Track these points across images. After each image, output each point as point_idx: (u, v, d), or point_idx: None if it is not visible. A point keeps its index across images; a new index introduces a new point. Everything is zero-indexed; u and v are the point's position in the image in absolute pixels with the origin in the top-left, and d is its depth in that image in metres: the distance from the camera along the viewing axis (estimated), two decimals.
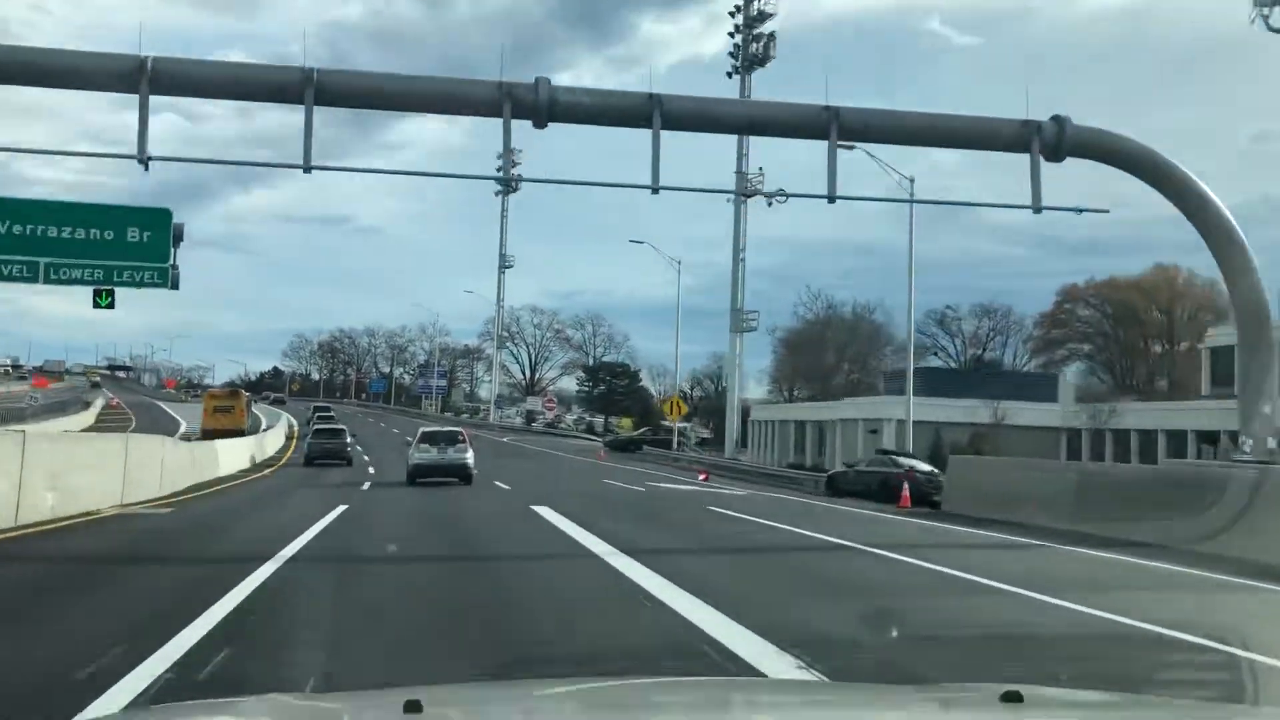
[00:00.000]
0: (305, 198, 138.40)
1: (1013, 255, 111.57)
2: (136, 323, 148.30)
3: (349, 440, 39.29)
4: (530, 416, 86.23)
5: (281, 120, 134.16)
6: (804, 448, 53.64)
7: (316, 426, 43.72)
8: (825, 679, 5.49)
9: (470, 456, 26.81)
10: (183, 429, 53.45)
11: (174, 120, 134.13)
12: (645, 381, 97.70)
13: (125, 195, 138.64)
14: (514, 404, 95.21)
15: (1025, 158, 16.39)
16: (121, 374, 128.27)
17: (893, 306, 70.11)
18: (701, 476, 34.98)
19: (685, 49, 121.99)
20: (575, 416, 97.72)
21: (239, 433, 51.65)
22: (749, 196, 46.56)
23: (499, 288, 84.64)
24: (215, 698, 3.82)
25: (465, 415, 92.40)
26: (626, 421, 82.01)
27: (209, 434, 51.28)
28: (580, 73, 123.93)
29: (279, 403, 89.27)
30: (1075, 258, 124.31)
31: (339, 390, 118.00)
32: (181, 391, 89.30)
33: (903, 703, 2.58)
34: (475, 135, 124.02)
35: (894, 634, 7.28)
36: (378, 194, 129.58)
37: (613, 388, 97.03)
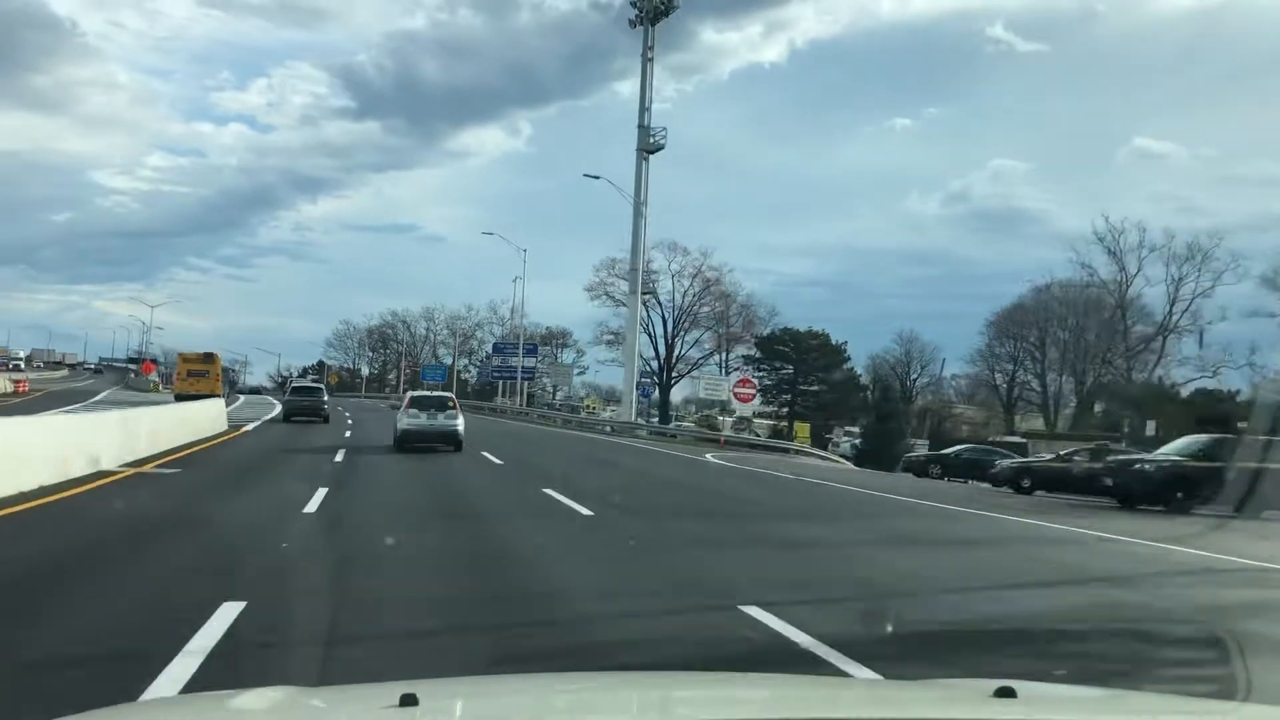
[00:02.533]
0: (371, 206, 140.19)
1: None
2: (209, 326, 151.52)
3: (325, 400, 42.19)
4: (743, 423, 48.62)
5: (345, 129, 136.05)
6: None
7: (294, 385, 50.15)
8: (820, 676, 5.45)
9: (460, 423, 26.28)
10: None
11: (242, 130, 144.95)
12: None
13: (196, 203, 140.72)
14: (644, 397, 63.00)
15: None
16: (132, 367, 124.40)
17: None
18: None
19: (747, 56, 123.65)
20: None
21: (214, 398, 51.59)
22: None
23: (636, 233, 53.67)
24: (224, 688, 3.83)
25: (572, 412, 63.22)
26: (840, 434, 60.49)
27: (182, 398, 49.96)
28: (640, 80, 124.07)
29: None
30: None
31: (390, 385, 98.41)
32: (160, 378, 79.14)
33: (895, 698, 2.59)
34: (535, 142, 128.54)
35: None
36: (441, 202, 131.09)
37: (807, 371, 70.24)
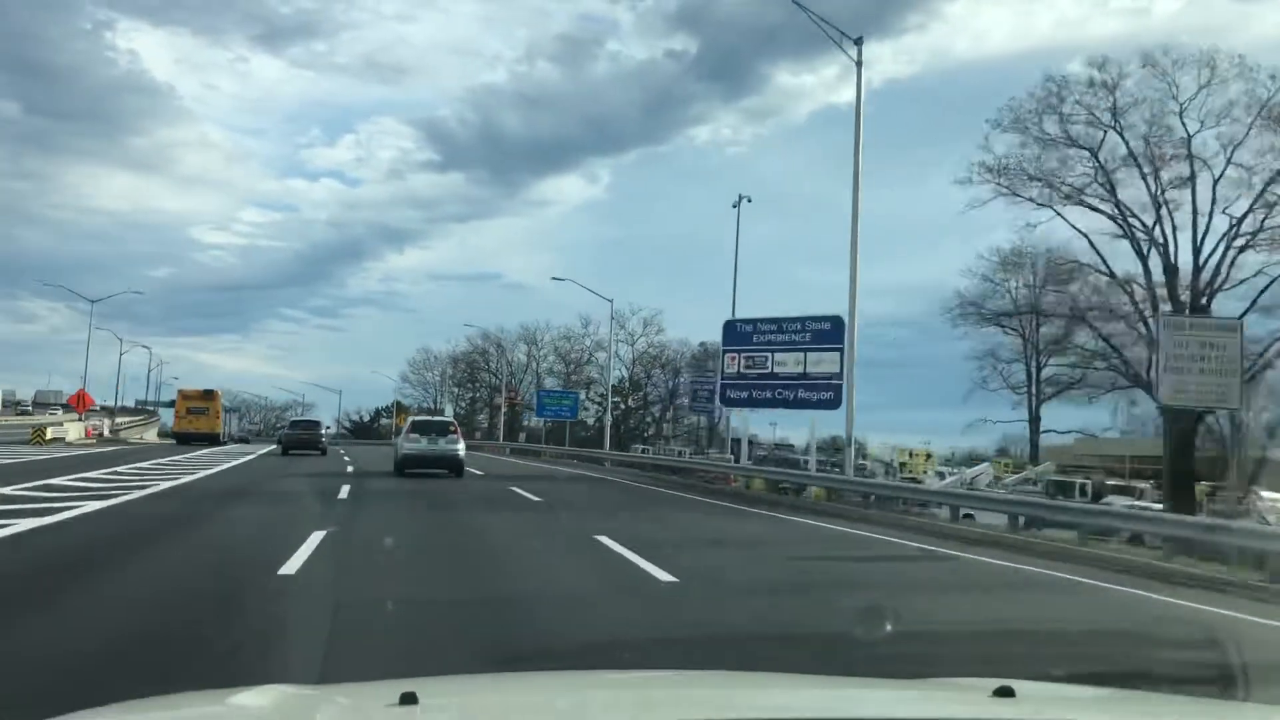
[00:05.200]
0: (456, 256, 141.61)
1: None
2: (303, 375, 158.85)
3: (322, 434, 43.43)
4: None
5: (430, 181, 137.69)
6: None
7: (293, 420, 50.32)
8: (816, 674, 5.44)
9: (461, 448, 27.23)
10: None
11: (332, 185, 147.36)
12: None
13: (289, 256, 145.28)
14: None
15: None
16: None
17: None
18: None
19: (822, 98, 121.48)
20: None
21: (214, 438, 49.09)
22: None
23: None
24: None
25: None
26: None
27: (181, 438, 49.06)
28: (717, 126, 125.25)
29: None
30: None
31: (480, 430, 78.62)
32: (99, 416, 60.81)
33: (894, 697, 2.58)
34: (613, 189, 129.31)
35: None
36: (523, 250, 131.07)
37: None
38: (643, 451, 60.10)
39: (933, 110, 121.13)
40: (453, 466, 26.48)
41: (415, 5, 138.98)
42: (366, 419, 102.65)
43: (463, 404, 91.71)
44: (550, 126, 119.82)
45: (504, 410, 74.10)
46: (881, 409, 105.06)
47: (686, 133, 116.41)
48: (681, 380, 76.51)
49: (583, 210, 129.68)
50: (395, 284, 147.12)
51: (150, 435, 73.39)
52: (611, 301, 54.57)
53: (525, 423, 70.36)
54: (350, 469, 29.69)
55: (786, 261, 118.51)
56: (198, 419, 50.12)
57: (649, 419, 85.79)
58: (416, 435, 27.11)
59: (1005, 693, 2.08)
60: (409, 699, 1.97)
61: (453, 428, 28.14)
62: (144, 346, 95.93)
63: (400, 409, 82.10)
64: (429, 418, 33.67)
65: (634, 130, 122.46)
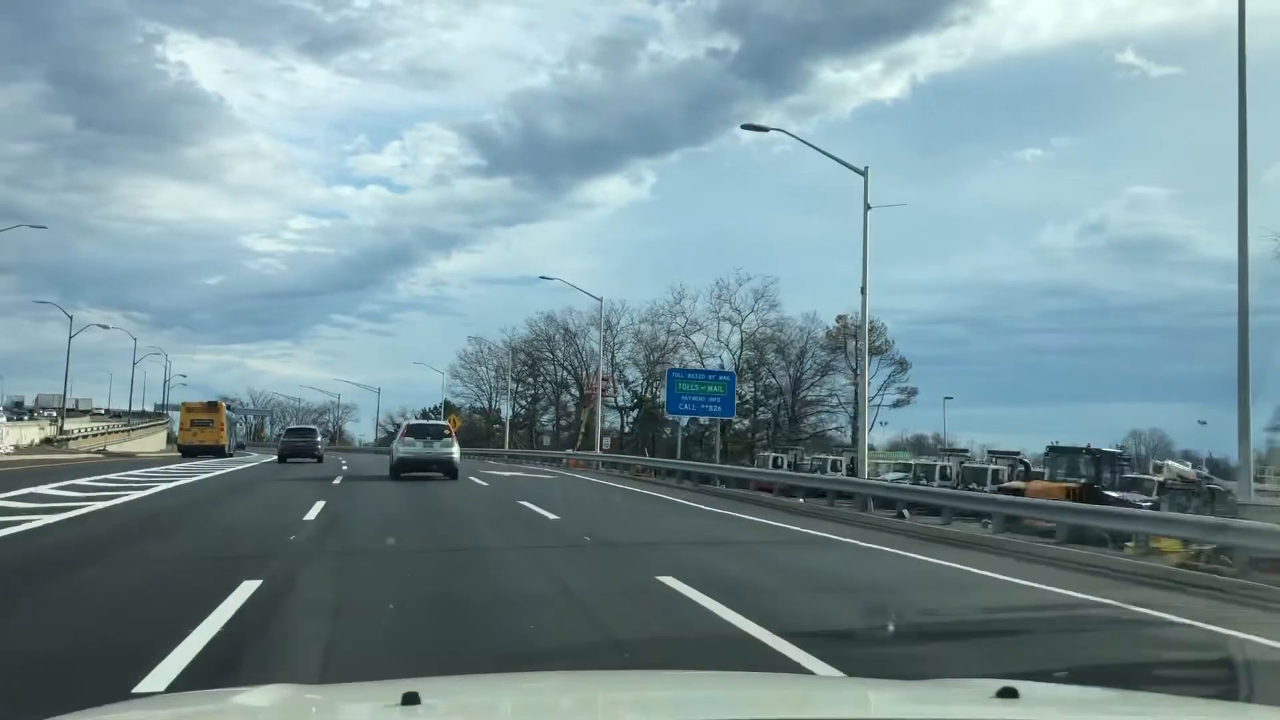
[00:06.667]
0: (502, 260, 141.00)
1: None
2: (354, 379, 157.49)
3: (319, 441, 43.78)
4: None
5: (476, 186, 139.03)
6: None
7: (289, 428, 51.57)
8: (820, 675, 5.46)
9: (456, 451, 27.62)
10: None
11: (379, 191, 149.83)
12: None
13: (338, 263, 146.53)
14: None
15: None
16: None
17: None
18: None
19: (866, 94, 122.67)
20: None
21: (218, 449, 49.46)
22: None
23: None
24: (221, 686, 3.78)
25: None
26: None
27: (187, 450, 49.26)
28: (760, 123, 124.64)
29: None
30: None
31: (547, 434, 66.55)
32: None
33: (897, 698, 2.58)
34: (658, 190, 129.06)
35: None
36: (569, 253, 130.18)
37: None
38: (774, 463, 43.05)
39: (978, 105, 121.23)
40: (447, 469, 26.99)
41: (457, 12, 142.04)
42: (413, 421, 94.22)
43: (522, 403, 76.10)
44: (593, 129, 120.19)
45: (587, 406, 57.51)
46: (955, 406, 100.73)
47: (730, 131, 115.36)
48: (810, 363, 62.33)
49: (627, 211, 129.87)
50: (443, 288, 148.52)
51: (149, 442, 73.02)
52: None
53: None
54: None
55: (829, 258, 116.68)
56: (202, 431, 51.12)
57: (762, 417, 69.15)
58: (412, 439, 27.69)
59: (1008, 693, 2.08)
60: (411, 699, 1.97)
61: (447, 431, 28.72)
62: (157, 351, 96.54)
63: (450, 409, 72.28)
64: (424, 422, 34.39)
65: (677, 130, 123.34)
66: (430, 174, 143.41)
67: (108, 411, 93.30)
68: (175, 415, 73.46)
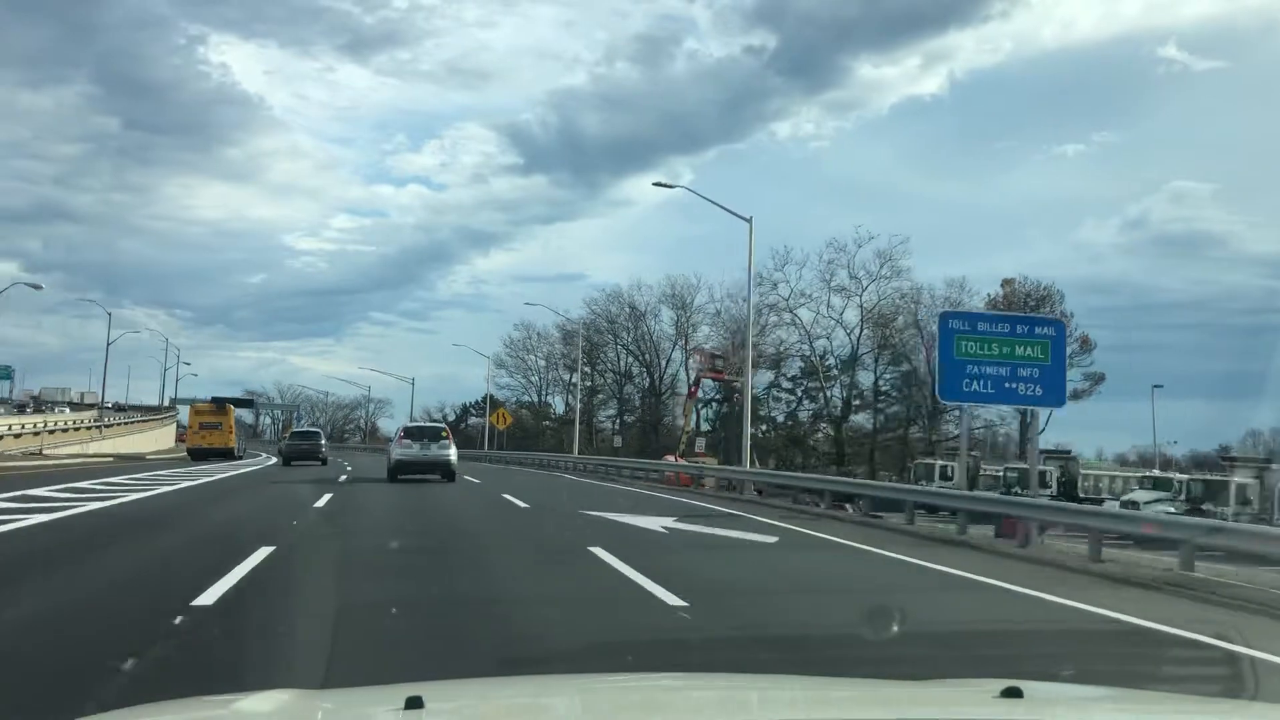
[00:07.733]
0: (540, 258, 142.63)
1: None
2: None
3: (322, 443, 43.62)
4: None
5: (513, 184, 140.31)
6: None
7: (294, 430, 51.31)
8: (823, 676, 5.40)
9: (453, 453, 27.64)
10: None
11: (419, 190, 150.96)
12: None
13: (378, 261, 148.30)
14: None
15: None
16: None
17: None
18: None
19: (905, 90, 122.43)
20: None
21: (228, 452, 48.45)
22: None
23: None
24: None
25: None
26: None
27: (195, 453, 47.96)
28: (798, 120, 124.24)
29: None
30: None
31: (604, 435, 56.46)
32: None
33: (901, 698, 2.57)
34: (694, 187, 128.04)
35: None
36: (606, 250, 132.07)
37: None
38: (941, 474, 35.95)
39: (1017, 100, 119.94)
40: (444, 471, 27.17)
41: (496, 11, 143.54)
42: (453, 418, 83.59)
43: (582, 395, 61.02)
44: (630, 127, 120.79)
45: (692, 395, 46.20)
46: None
47: (767, 128, 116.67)
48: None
49: (664, 208, 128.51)
50: (483, 285, 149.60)
51: (146, 439, 69.36)
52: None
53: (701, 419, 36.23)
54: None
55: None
56: (210, 434, 49.43)
57: (892, 411, 55.68)
58: (409, 441, 27.76)
59: (1013, 693, 2.08)
60: (415, 703, 1.96)
61: (445, 433, 28.83)
62: (168, 340, 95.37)
63: (494, 404, 63.55)
64: (421, 424, 34.81)
65: (714, 127, 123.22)
66: (469, 173, 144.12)
67: (116, 405, 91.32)
68: (183, 410, 73.13)
